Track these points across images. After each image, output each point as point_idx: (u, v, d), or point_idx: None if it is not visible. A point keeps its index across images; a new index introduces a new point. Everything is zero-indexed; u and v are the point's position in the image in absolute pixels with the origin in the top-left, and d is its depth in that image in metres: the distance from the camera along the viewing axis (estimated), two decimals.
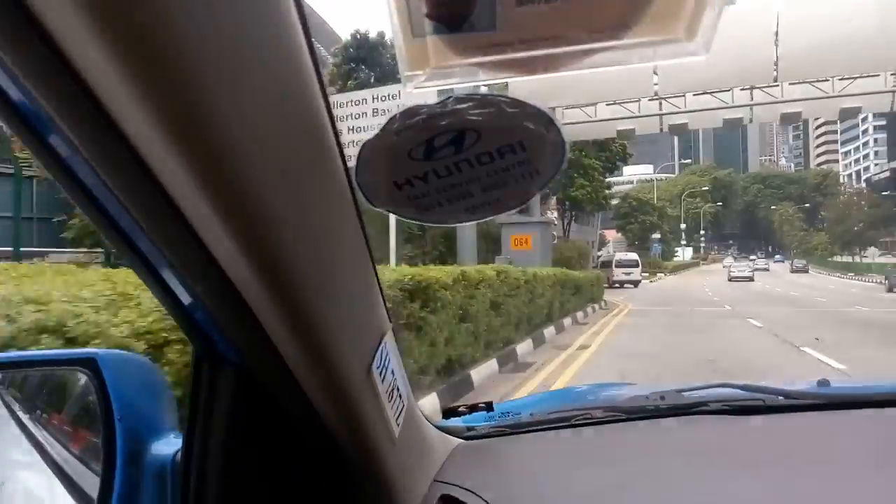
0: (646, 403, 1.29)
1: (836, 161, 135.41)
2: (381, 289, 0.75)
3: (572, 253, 29.68)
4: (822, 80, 16.63)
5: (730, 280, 42.62)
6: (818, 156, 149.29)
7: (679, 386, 1.37)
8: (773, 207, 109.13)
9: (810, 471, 1.00)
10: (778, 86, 16.89)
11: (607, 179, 37.80)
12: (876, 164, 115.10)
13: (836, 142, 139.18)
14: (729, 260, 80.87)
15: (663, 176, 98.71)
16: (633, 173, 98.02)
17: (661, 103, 18.82)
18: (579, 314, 15.04)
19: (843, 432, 1.18)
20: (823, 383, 1.42)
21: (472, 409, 1.28)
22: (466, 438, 1.19)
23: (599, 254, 77.89)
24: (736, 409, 1.25)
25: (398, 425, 0.80)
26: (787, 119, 19.03)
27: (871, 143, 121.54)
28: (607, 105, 18.52)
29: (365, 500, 0.81)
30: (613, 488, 0.97)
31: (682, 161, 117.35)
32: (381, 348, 0.73)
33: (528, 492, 0.97)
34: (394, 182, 0.56)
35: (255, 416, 0.72)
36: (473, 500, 0.91)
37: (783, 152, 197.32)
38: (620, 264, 35.11)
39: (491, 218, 0.61)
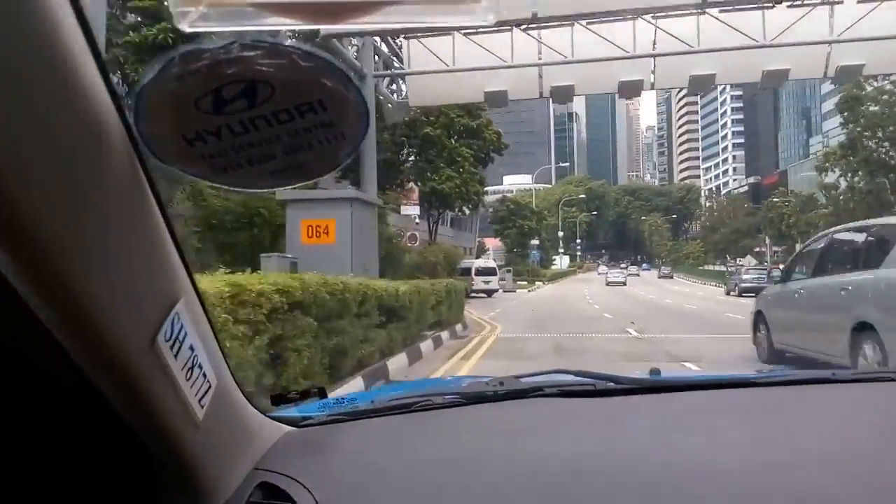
0: (485, 389, 1.36)
1: (698, 177, 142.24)
2: (181, 254, 0.70)
3: (436, 258, 24.72)
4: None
5: (607, 285, 47.19)
6: (681, 171, 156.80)
7: (520, 373, 1.49)
8: (643, 218, 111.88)
9: (626, 443, 1.10)
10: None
11: (486, 188, 33.96)
12: (734, 180, 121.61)
13: (697, 158, 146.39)
14: (604, 268, 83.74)
15: (541, 186, 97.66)
16: (512, 182, 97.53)
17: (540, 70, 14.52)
18: (402, 355, 8.84)
19: (663, 411, 1.28)
20: (654, 372, 1.56)
21: (304, 395, 1.27)
22: (299, 426, 1.18)
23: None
24: (568, 392, 1.34)
25: (202, 407, 0.75)
26: (696, 83, 15.19)
27: (731, 159, 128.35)
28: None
29: (169, 487, 0.78)
30: (443, 469, 0.99)
31: (560, 164, 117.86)
32: (170, 319, 0.66)
33: (355, 477, 0.97)
34: (183, 136, 0.53)
35: (23, 401, 0.65)
36: (295, 487, 0.89)
37: (648, 169, 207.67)
38: (480, 272, 31.01)
39: (300, 185, 0.60)
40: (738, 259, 65.85)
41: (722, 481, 0.89)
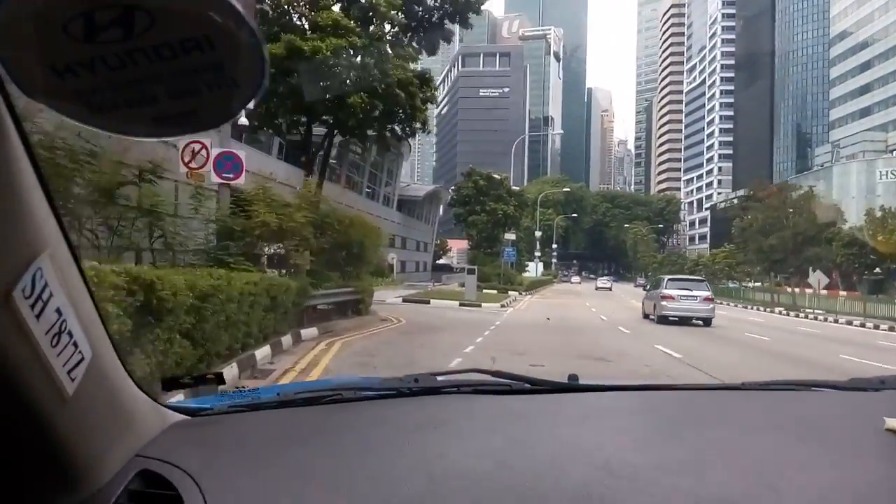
0: (399, 385, 1.38)
1: (678, 189, 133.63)
2: (52, 205, 0.65)
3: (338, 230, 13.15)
4: None
5: (596, 289, 48.73)
6: (660, 182, 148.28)
7: (438, 371, 1.50)
8: (626, 226, 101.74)
9: (533, 436, 1.11)
10: None
11: None
12: (719, 193, 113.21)
13: (678, 169, 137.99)
14: (576, 278, 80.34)
15: (516, 188, 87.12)
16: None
17: None
18: None
19: (571, 410, 1.31)
20: (573, 377, 1.56)
21: (199, 380, 1.23)
22: (194, 416, 1.15)
23: (442, 262, 62.75)
24: (482, 391, 1.38)
25: (73, 380, 0.70)
26: None
27: (716, 171, 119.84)
28: None
29: (34, 472, 0.73)
30: (346, 461, 0.97)
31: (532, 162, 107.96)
32: (30, 272, 0.61)
33: (249, 469, 0.93)
34: (51, 67, 0.48)
35: None
36: (179, 476, 0.86)
37: (618, 183, 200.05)
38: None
39: (188, 136, 0.54)
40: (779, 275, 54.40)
41: (614, 477, 0.89)
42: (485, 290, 29.21)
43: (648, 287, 24.89)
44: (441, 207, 58.53)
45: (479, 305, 22.68)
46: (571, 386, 1.46)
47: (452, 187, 41.00)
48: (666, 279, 20.42)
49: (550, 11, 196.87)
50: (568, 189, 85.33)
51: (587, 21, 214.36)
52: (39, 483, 0.73)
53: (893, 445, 1.03)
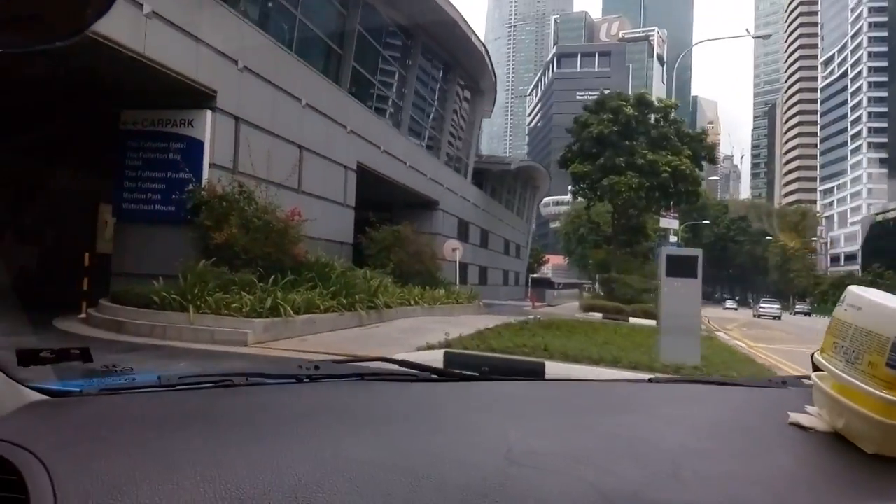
0: (298, 372, 1.33)
1: (812, 201, 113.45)
2: None
3: None
4: None
5: (757, 317, 41.25)
6: (789, 194, 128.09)
7: (344, 359, 1.52)
8: (767, 238, 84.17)
9: (433, 424, 1.09)
10: None
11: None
12: (870, 204, 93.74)
13: (812, 179, 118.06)
14: (731, 303, 69.80)
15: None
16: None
17: None
18: None
19: (474, 397, 1.29)
20: (483, 373, 1.49)
21: (62, 354, 1.13)
22: (55, 396, 1.09)
23: (537, 276, 48.25)
24: (385, 379, 1.36)
25: None
26: None
27: (865, 178, 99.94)
28: None
29: None
30: (219, 446, 0.91)
31: None
32: None
33: (105, 451, 0.87)
34: None
35: None
36: (24, 457, 0.81)
37: (724, 200, 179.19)
38: None
39: (34, 49, 0.46)
40: None
41: (516, 465, 0.88)
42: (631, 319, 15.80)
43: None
44: (537, 200, 44.67)
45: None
46: (479, 377, 1.42)
47: (570, 127, 26.66)
48: None
49: (653, 12, 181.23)
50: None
51: (692, 22, 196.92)
52: None
53: (795, 438, 1.04)
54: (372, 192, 19.60)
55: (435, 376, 1.37)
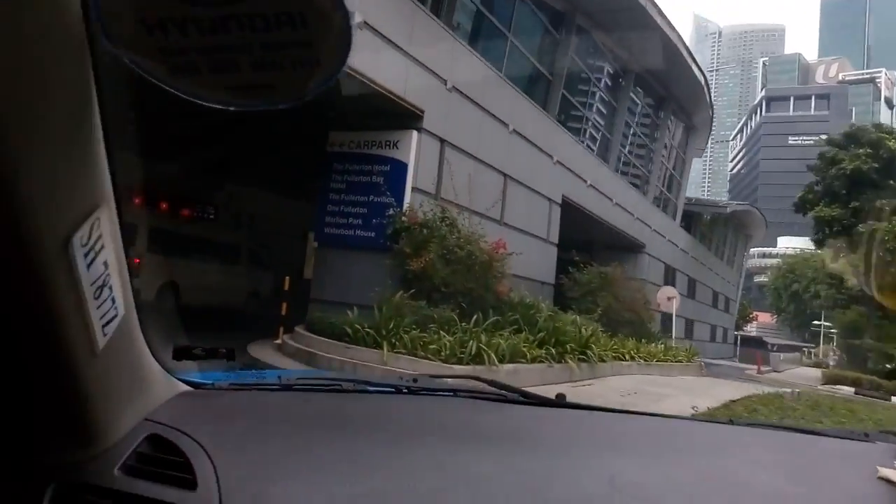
0: (398, 383, 1.43)
1: None
2: (111, 165, 0.66)
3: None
4: None
5: None
6: None
7: (436, 374, 1.75)
8: None
9: (532, 446, 1.12)
10: None
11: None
12: None
13: None
14: None
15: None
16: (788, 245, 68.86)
17: None
18: None
19: (560, 423, 1.36)
20: (560, 396, 1.60)
21: (211, 353, 1.23)
22: (199, 388, 1.18)
23: (747, 334, 43.28)
24: (477, 397, 1.41)
25: (105, 335, 0.71)
26: None
27: None
28: None
29: (49, 428, 0.73)
30: (344, 449, 0.98)
31: None
32: (90, 222, 0.62)
33: (250, 441, 0.96)
34: (142, 20, 0.47)
35: None
36: (187, 442, 0.89)
37: None
38: None
39: (258, 109, 0.53)
40: None
41: (619, 493, 0.91)
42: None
43: None
44: (747, 249, 39.78)
45: None
46: (560, 403, 1.50)
47: (810, 164, 22.84)
48: None
49: (879, 52, 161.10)
50: None
51: None
52: (51, 435, 0.73)
53: (885, 493, 1.04)
54: (572, 229, 17.77)
55: (522, 398, 1.43)
